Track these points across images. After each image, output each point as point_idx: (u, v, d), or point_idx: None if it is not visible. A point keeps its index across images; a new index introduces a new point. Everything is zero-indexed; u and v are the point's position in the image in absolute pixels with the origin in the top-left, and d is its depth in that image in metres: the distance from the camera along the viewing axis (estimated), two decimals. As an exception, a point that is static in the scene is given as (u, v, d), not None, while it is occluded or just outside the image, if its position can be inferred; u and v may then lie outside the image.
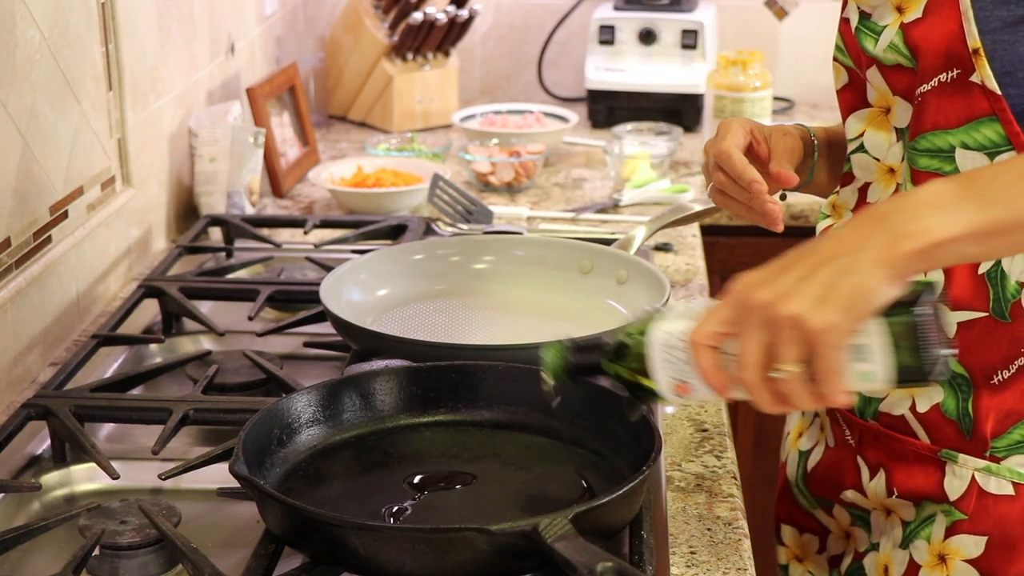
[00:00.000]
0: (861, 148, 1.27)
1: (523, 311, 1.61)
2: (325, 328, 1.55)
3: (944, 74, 1.15)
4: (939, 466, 1.23)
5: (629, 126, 2.50)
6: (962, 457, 1.22)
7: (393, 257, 1.67)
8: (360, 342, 1.46)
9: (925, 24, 1.15)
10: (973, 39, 1.12)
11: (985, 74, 1.12)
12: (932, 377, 0.95)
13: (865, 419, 1.29)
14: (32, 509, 1.28)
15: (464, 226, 2.03)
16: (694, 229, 2.09)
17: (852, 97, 1.28)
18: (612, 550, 1.02)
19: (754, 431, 2.33)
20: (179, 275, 1.79)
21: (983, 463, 1.21)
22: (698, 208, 1.76)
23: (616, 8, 2.75)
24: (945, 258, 0.94)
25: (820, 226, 1.34)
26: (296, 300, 1.72)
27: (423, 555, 1.03)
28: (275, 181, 2.31)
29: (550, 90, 2.96)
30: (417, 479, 1.20)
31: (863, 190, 1.28)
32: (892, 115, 1.23)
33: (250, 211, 2.12)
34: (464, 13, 2.68)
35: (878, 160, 1.25)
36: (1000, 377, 1.19)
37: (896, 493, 1.27)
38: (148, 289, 1.70)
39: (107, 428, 1.45)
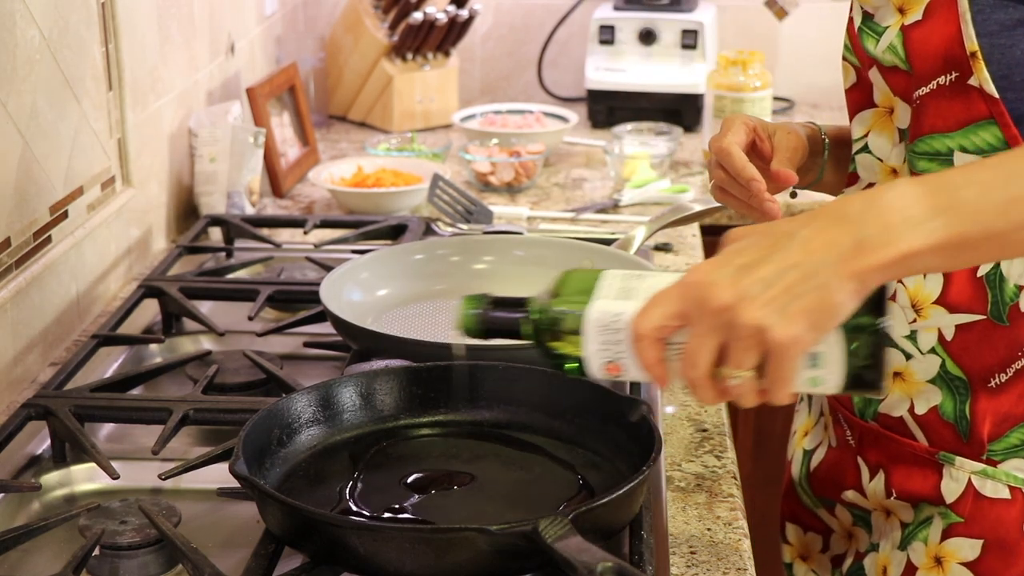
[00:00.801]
0: (865, 148, 1.26)
1: (523, 311, 1.61)
2: (325, 328, 1.55)
3: (943, 77, 1.14)
4: (937, 468, 1.23)
5: (629, 126, 2.50)
6: (959, 460, 1.22)
7: (393, 257, 1.67)
8: (360, 342, 1.46)
9: (925, 26, 1.15)
10: (971, 42, 1.12)
11: (983, 77, 1.12)
12: (882, 390, 0.96)
13: (865, 420, 1.29)
14: (32, 509, 1.28)
15: (464, 226, 2.03)
16: (694, 229, 2.09)
17: (859, 97, 1.27)
18: (612, 550, 1.01)
19: (754, 431, 2.33)
20: (179, 275, 1.79)
21: (980, 466, 1.21)
22: (698, 208, 1.76)
23: (616, 8, 2.75)
24: (909, 270, 0.92)
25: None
26: (296, 300, 1.72)
27: (423, 555, 1.03)
28: (275, 181, 2.31)
29: (550, 90, 2.96)
30: (417, 479, 1.20)
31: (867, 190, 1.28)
32: (895, 116, 1.23)
33: (250, 211, 2.12)
34: (464, 13, 2.68)
35: (881, 161, 1.25)
36: (998, 380, 1.19)
37: (895, 494, 1.27)
38: (148, 289, 1.70)
39: (107, 428, 1.45)
